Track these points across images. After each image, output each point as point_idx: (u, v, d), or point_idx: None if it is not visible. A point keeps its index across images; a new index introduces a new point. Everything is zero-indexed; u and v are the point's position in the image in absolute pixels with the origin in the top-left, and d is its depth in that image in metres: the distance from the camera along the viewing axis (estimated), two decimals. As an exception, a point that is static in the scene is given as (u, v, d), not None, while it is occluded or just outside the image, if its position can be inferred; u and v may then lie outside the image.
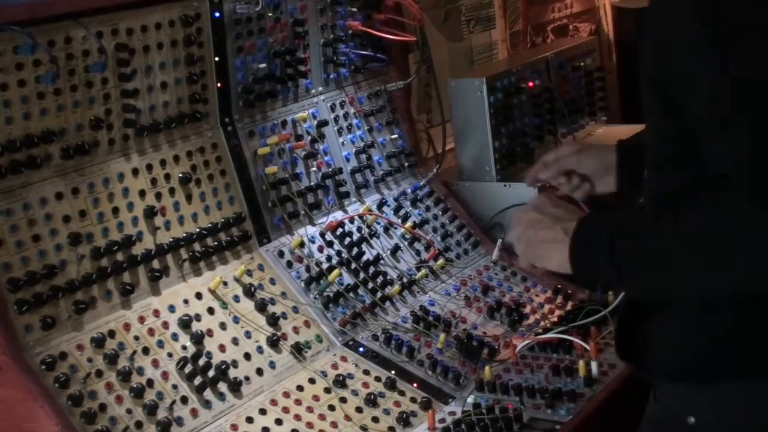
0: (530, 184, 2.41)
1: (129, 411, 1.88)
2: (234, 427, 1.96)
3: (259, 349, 2.13)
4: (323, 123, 2.59)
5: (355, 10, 2.68)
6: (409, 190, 2.74)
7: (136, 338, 1.99)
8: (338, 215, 2.54)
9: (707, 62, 1.49)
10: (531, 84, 2.92)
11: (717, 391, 1.66)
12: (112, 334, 1.96)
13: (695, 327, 1.66)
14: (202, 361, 2.02)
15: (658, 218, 1.59)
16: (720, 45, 1.48)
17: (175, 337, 2.04)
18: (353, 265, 2.43)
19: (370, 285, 2.41)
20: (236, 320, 2.15)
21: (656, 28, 1.58)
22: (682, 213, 1.54)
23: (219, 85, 2.31)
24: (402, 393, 2.14)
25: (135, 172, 2.12)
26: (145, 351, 1.98)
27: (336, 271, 2.35)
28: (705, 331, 1.65)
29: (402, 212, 2.67)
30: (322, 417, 2.02)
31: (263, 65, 2.42)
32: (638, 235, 1.60)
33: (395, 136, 2.81)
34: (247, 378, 2.06)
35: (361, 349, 2.25)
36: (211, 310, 2.13)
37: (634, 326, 1.75)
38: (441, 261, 2.59)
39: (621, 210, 1.71)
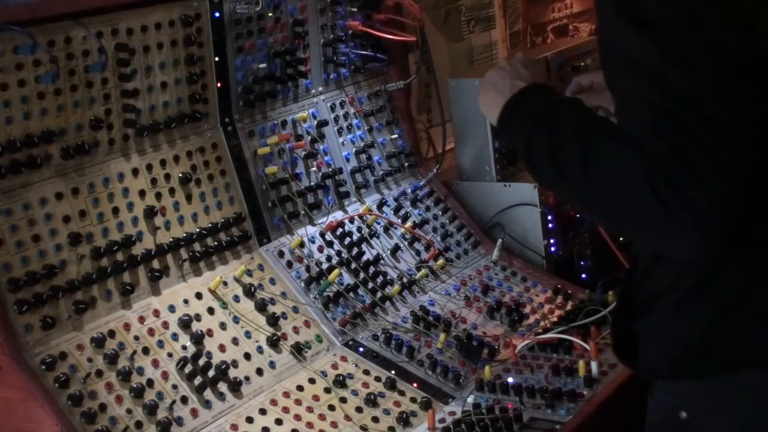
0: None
1: (129, 411, 1.88)
2: (234, 427, 1.96)
3: (259, 349, 2.13)
4: (323, 123, 2.59)
5: (355, 10, 2.68)
6: (409, 190, 2.74)
7: (136, 338, 1.99)
8: (338, 215, 2.54)
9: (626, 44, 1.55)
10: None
11: (704, 385, 1.68)
12: (112, 334, 1.96)
13: (675, 324, 1.69)
14: (202, 361, 2.02)
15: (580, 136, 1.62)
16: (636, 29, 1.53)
17: (175, 337, 2.04)
18: (353, 265, 2.43)
19: (370, 285, 2.41)
20: (236, 320, 2.15)
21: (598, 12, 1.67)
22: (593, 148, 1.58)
23: (219, 85, 2.31)
24: (402, 393, 2.14)
25: (135, 172, 2.12)
26: (145, 351, 1.98)
27: (336, 271, 2.35)
28: (685, 328, 1.68)
29: (402, 212, 2.67)
30: (322, 417, 2.02)
31: (263, 65, 2.43)
32: (553, 142, 1.65)
33: (395, 136, 2.81)
34: (247, 378, 2.06)
35: (361, 349, 2.25)
36: (211, 310, 2.13)
37: (627, 326, 1.78)
38: (441, 261, 2.59)
39: (564, 100, 1.81)
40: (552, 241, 2.74)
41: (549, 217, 2.73)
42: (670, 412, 1.73)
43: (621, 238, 2.71)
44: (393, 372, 2.19)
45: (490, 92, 1.91)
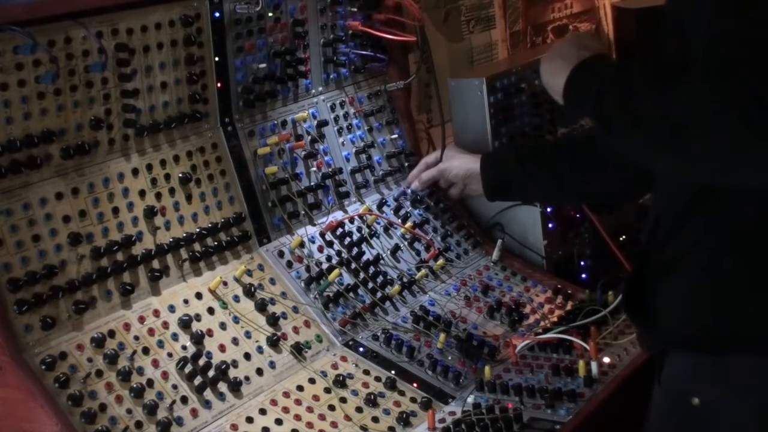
0: (416, 187, 2.71)
1: (129, 411, 1.88)
2: (234, 427, 1.96)
3: (259, 349, 2.13)
4: (323, 123, 2.59)
5: (355, 10, 2.68)
6: (409, 190, 2.74)
7: (136, 338, 1.99)
8: (338, 215, 2.54)
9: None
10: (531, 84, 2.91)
11: (720, 370, 1.71)
12: (112, 334, 1.96)
13: (702, 289, 1.73)
14: (202, 361, 2.02)
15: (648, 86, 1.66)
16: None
17: (175, 337, 2.04)
18: (353, 265, 2.43)
19: (370, 285, 2.41)
20: (236, 320, 2.15)
21: None
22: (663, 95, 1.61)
23: (219, 85, 2.31)
24: (402, 393, 2.14)
25: (135, 172, 2.12)
26: (145, 351, 1.98)
27: (336, 271, 2.35)
28: (712, 294, 1.72)
29: (402, 212, 2.67)
30: (322, 417, 2.02)
31: (263, 65, 2.43)
32: (626, 91, 1.70)
33: (395, 136, 2.81)
34: (247, 378, 2.06)
35: (361, 349, 2.25)
36: (211, 310, 2.13)
37: (643, 287, 1.82)
38: (441, 261, 2.59)
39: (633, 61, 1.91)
40: (552, 240, 2.74)
41: (549, 218, 2.73)
42: (681, 399, 1.76)
43: (621, 238, 2.71)
44: (393, 372, 2.19)
45: (555, 61, 1.93)
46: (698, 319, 1.74)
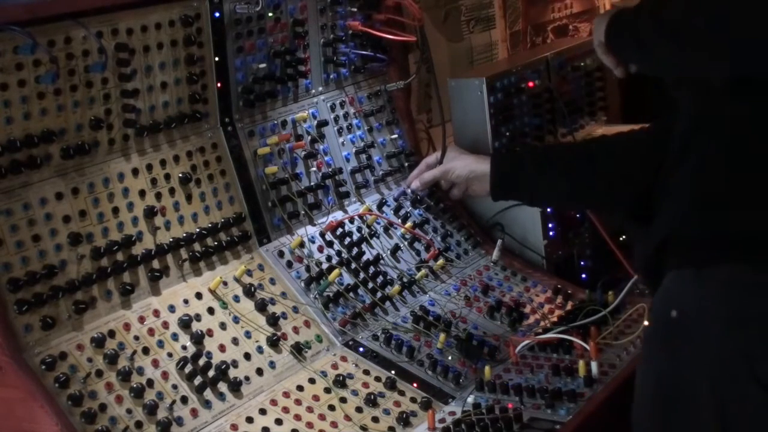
0: (416, 187, 2.71)
1: (129, 411, 1.88)
2: (234, 427, 1.96)
3: (259, 349, 2.13)
4: (323, 123, 2.59)
5: (355, 10, 2.68)
6: (409, 191, 2.74)
7: (136, 338, 1.99)
8: (338, 215, 2.54)
9: None
10: (531, 84, 2.91)
11: (699, 282, 1.85)
12: (112, 334, 1.96)
13: (697, 198, 1.89)
14: (202, 361, 2.02)
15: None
16: None
17: (175, 337, 2.04)
18: (353, 265, 2.43)
19: (370, 285, 2.41)
20: (236, 320, 2.15)
21: None
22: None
23: (219, 85, 2.31)
24: (402, 393, 2.14)
25: (135, 172, 2.12)
26: (145, 351, 1.98)
27: (336, 271, 2.35)
28: (705, 202, 1.88)
29: (402, 212, 2.67)
30: (322, 417, 2.02)
31: (263, 65, 2.43)
32: (659, 15, 1.92)
33: (395, 136, 2.81)
34: (247, 378, 2.06)
35: (361, 349, 2.25)
36: (211, 310, 2.13)
37: (649, 204, 2.01)
38: (441, 261, 2.59)
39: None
40: (552, 240, 2.74)
41: (549, 218, 2.73)
42: (663, 314, 1.89)
43: (621, 238, 2.71)
44: (393, 372, 2.19)
45: (600, 18, 2.15)
46: (691, 224, 1.88)
